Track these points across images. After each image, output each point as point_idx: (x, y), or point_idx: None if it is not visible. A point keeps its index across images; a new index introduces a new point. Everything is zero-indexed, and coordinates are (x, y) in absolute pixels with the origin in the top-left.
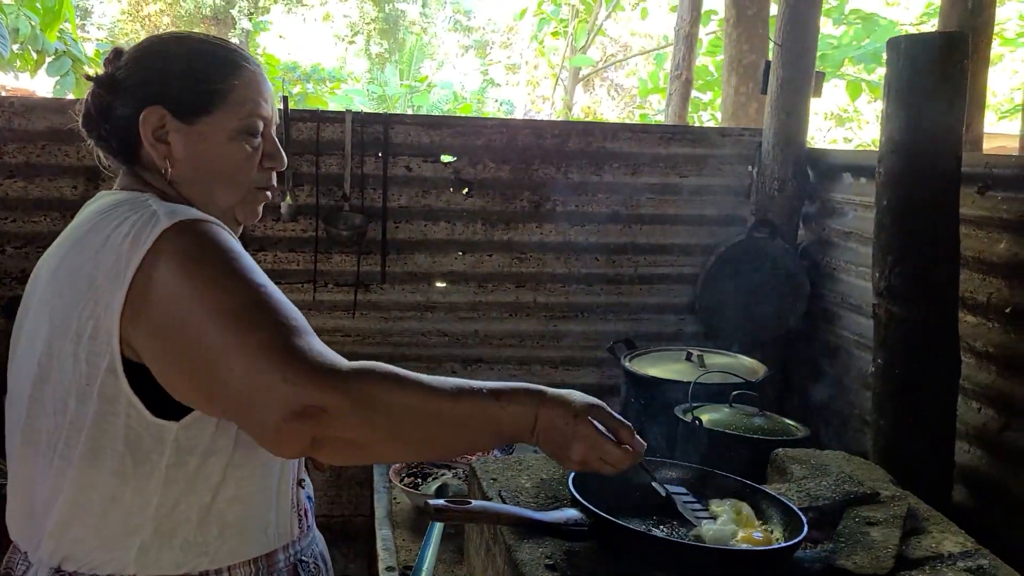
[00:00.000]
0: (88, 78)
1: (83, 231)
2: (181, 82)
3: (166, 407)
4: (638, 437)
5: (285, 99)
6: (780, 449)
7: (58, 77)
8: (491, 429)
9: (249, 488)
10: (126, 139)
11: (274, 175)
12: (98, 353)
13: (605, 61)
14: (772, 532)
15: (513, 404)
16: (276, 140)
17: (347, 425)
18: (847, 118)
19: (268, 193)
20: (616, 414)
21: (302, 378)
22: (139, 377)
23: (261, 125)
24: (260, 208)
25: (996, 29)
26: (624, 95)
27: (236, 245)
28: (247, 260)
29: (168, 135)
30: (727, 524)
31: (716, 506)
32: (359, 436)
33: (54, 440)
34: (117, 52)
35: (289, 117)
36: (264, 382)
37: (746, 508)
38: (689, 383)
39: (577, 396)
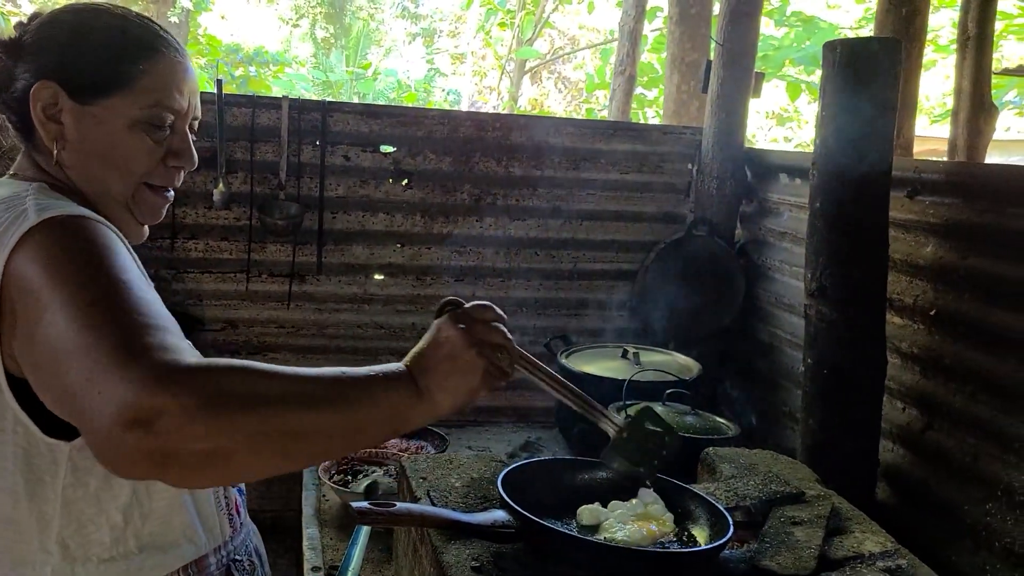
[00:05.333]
0: None
1: None
2: (82, 58)
3: (60, 425)
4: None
5: (219, 83)
6: (710, 448)
7: None
8: (381, 407)
9: (162, 501)
10: (24, 114)
11: (180, 175)
12: None
13: (553, 54)
14: (667, 522)
15: (389, 371)
16: (188, 137)
17: (195, 431)
18: (787, 118)
19: (168, 194)
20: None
21: (137, 376)
22: (28, 393)
23: (169, 119)
24: (163, 210)
25: (930, 36)
26: (571, 88)
27: (109, 240)
28: (116, 256)
29: (61, 114)
30: (631, 517)
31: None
32: (216, 444)
33: None
34: (33, 16)
35: (224, 102)
36: (99, 383)
37: (654, 501)
38: (623, 381)
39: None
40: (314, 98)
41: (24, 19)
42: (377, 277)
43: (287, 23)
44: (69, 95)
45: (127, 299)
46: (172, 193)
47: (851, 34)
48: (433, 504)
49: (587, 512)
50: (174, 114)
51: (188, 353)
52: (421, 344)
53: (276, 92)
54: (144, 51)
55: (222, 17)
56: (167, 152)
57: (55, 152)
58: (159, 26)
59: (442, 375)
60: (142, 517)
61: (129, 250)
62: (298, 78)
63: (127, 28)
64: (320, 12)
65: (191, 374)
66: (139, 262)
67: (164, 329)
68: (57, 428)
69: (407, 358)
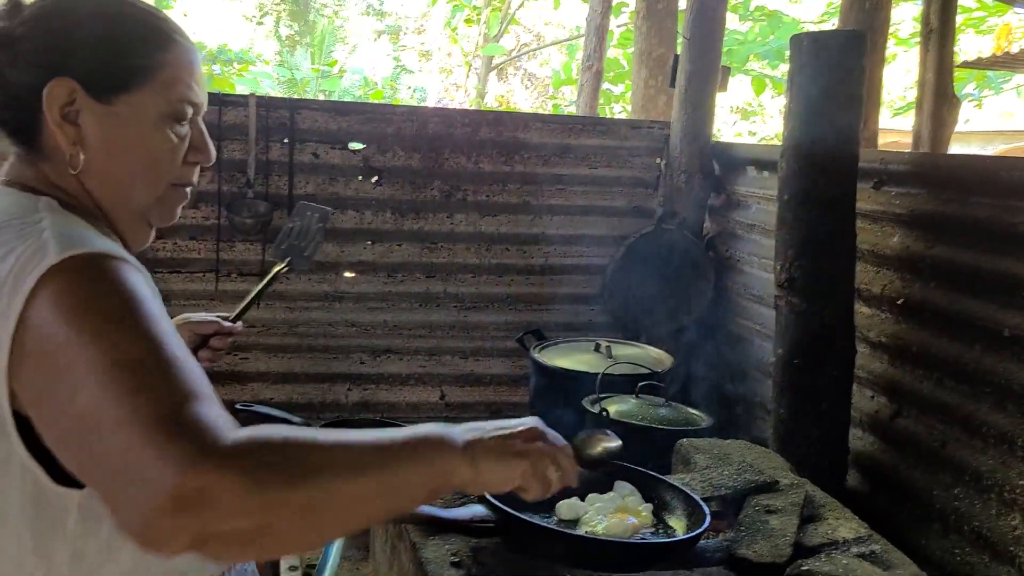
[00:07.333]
0: None
1: None
2: (97, 50)
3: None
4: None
5: None
6: (684, 439)
7: None
8: (431, 476)
9: None
10: (25, 115)
11: (197, 171)
12: None
13: (519, 50)
14: (645, 514)
15: (433, 435)
16: (205, 131)
17: (242, 511)
18: (752, 112)
19: (187, 191)
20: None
21: (181, 455)
22: (33, 434)
23: (190, 111)
24: (179, 209)
25: (891, 29)
26: (538, 85)
27: (138, 286)
28: (147, 306)
29: (79, 115)
30: (610, 510)
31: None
32: (262, 522)
33: None
34: (16, 5)
35: None
36: (137, 459)
37: (631, 493)
38: (597, 374)
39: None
40: (283, 95)
41: (5, 8)
42: (348, 275)
43: (251, 20)
44: (88, 93)
45: (163, 361)
46: (190, 191)
47: (814, 28)
48: None
49: (566, 506)
50: (194, 107)
51: (228, 425)
52: (486, 425)
53: (241, 90)
54: (162, 39)
55: (184, 15)
56: (188, 147)
57: (73, 157)
58: (162, 11)
59: (495, 457)
60: (149, 562)
61: (149, 283)
62: (263, 76)
63: (139, 15)
64: (284, 9)
65: (237, 451)
66: (156, 290)
67: (204, 398)
68: (67, 476)
69: (466, 429)
